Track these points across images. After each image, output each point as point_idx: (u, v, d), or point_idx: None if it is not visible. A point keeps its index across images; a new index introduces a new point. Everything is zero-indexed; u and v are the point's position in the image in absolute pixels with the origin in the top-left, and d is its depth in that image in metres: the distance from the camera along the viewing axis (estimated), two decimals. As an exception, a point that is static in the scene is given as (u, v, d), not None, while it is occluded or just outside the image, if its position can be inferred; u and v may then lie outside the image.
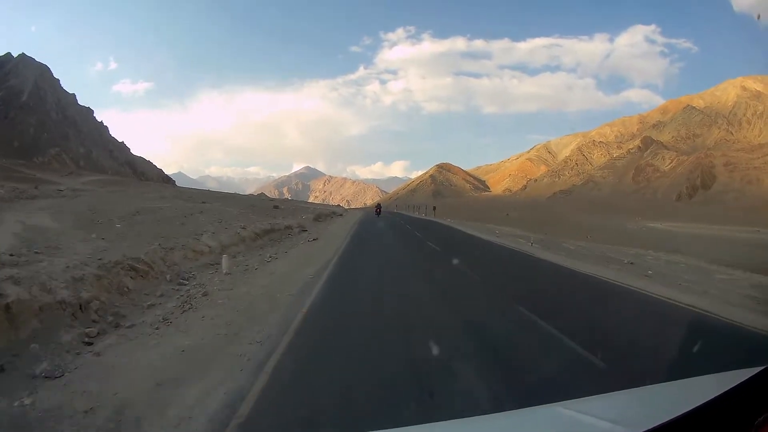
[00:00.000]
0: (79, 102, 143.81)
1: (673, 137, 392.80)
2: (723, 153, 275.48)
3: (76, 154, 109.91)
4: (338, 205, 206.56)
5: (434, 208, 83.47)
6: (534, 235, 33.97)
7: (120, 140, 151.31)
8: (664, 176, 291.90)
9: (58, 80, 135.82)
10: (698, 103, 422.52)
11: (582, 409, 2.56)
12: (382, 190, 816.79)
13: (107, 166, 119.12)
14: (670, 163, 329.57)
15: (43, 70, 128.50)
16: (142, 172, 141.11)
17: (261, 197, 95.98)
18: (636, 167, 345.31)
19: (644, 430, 1.80)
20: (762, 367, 2.02)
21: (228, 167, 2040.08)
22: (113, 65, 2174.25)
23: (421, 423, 4.24)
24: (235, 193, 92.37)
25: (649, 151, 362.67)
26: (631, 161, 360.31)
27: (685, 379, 2.86)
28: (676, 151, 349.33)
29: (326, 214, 62.45)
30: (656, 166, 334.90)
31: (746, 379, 1.98)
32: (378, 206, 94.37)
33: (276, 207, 55.38)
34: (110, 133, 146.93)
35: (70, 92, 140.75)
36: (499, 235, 34.95)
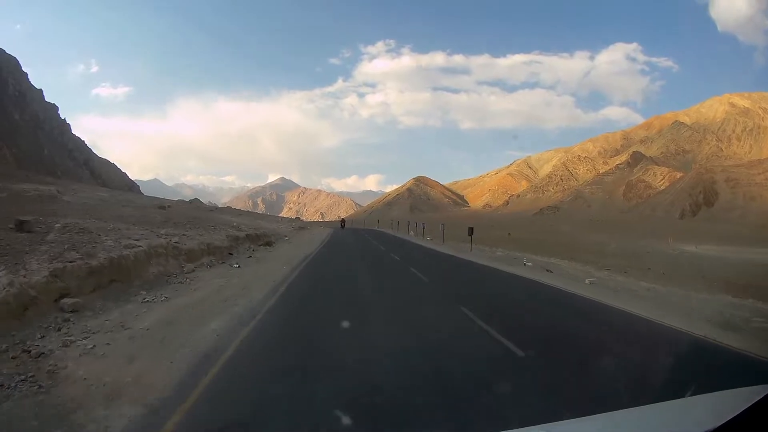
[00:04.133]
0: (46, 99, 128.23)
1: (662, 153, 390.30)
2: (723, 169, 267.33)
3: (25, 150, 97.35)
4: (296, 218, 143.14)
5: (471, 230, 36.67)
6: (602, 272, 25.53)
7: (83, 140, 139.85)
8: (663, 192, 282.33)
9: (26, 74, 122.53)
10: (684, 119, 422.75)
11: (577, 429, 2.64)
12: (356, 203, 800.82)
13: (61, 166, 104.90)
14: (661, 180, 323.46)
15: (9, 62, 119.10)
16: (100, 174, 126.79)
17: (195, 203, 76.26)
18: (627, 183, 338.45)
19: None
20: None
21: (203, 176, 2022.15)
22: (95, 68, 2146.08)
23: None
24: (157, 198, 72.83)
25: (639, 166, 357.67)
26: (621, 177, 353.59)
27: (682, 399, 2.98)
28: (668, 167, 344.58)
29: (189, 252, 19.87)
30: (648, 182, 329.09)
31: (753, 402, 1.98)
32: (342, 221, 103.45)
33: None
34: (72, 131, 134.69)
35: (38, 87, 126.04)
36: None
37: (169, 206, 45.64)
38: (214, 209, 66.39)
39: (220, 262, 21.15)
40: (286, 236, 44.12)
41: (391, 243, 46.89)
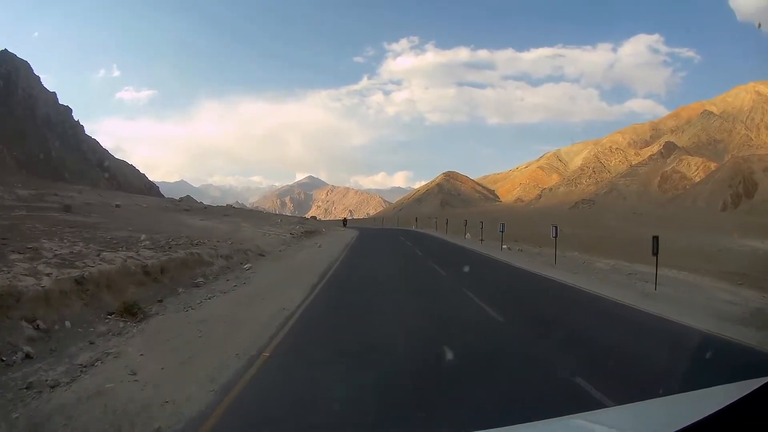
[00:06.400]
0: (60, 102, 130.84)
1: (693, 143, 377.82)
2: (759, 158, 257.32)
3: (30, 153, 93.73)
4: (311, 218, 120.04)
5: (656, 242, 18.79)
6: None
7: (97, 141, 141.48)
8: (701, 183, 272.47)
9: (38, 78, 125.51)
10: (711, 108, 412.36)
11: (598, 420, 2.68)
12: (385, 200, 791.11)
13: (70, 169, 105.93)
14: (696, 170, 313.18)
15: (20, 66, 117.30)
16: (115, 176, 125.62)
17: (187, 201, 66.05)
18: (662, 174, 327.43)
19: None
20: None
21: (231, 176, 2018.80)
22: (116, 72, 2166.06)
23: None
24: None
25: (672, 157, 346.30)
26: (654, 168, 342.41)
27: (702, 390, 2.80)
28: (701, 157, 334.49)
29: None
30: (683, 173, 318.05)
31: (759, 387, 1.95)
32: (344, 220, 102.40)
33: None
34: (85, 133, 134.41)
35: (51, 91, 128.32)
36: None
37: (118, 205, 36.51)
38: (190, 209, 51.74)
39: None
40: (261, 256, 25.86)
41: (486, 272, 24.81)
